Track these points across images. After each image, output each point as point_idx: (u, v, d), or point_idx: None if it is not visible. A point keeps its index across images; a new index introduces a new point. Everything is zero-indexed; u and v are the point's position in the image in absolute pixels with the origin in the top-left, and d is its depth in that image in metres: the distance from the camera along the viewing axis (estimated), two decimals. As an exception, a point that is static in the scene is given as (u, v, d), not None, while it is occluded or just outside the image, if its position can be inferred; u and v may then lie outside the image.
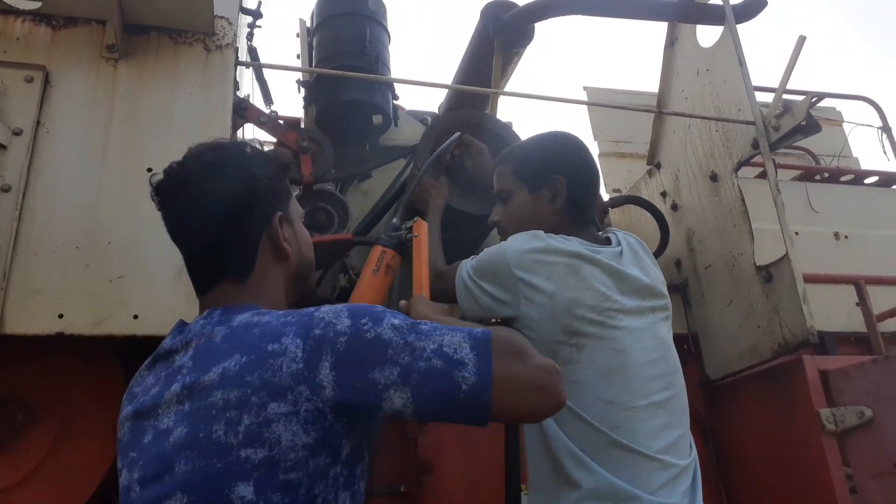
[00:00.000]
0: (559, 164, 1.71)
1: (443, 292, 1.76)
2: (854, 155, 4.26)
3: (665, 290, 1.65)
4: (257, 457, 0.93)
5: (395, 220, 1.90)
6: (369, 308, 1.04)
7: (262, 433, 0.94)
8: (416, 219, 1.88)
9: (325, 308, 1.03)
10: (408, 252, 1.79)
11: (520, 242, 1.58)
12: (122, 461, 1.07)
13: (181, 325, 1.15)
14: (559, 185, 1.69)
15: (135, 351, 1.90)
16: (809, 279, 2.43)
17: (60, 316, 1.70)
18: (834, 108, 4.45)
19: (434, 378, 0.96)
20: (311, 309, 1.04)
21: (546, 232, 1.60)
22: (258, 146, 1.28)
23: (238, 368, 0.97)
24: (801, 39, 2.51)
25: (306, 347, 0.97)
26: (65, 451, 1.82)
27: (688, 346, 2.81)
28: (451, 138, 2.16)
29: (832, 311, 2.99)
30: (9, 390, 1.83)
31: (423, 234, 1.81)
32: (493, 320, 1.67)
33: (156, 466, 0.99)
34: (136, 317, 1.74)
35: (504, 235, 1.74)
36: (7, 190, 1.77)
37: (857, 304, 2.84)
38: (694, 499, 1.46)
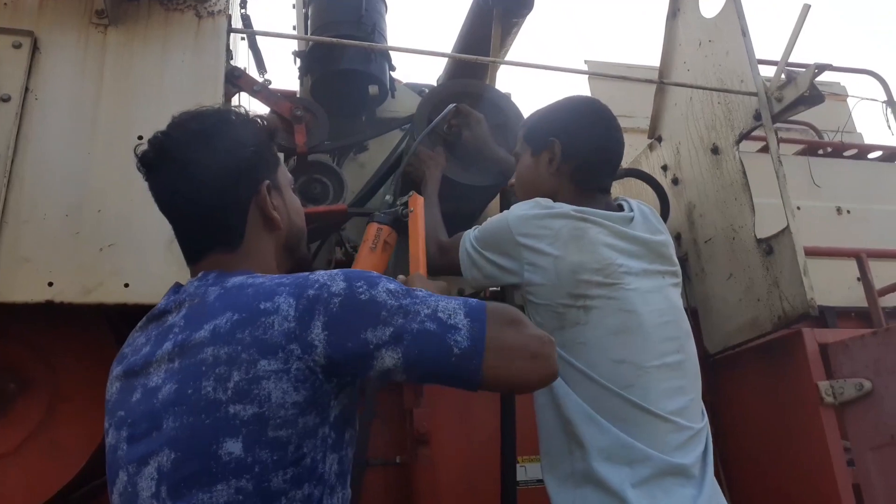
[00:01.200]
0: (559, 128, 1.71)
1: (447, 265, 1.76)
2: (858, 130, 4.21)
3: (675, 258, 1.64)
4: (246, 413, 0.93)
5: (388, 196, 1.88)
6: (365, 273, 1.05)
7: (252, 390, 0.94)
8: (411, 193, 1.86)
9: (321, 272, 1.04)
10: (404, 227, 1.77)
11: (522, 209, 1.58)
12: (110, 420, 1.08)
13: (176, 287, 1.15)
14: (555, 148, 1.69)
15: (126, 319, 1.89)
16: (810, 252, 2.40)
17: (50, 284, 1.68)
18: (838, 83, 4.39)
19: (426, 340, 0.97)
20: (307, 273, 1.05)
21: (545, 196, 1.59)
22: (243, 112, 1.26)
23: (229, 326, 0.98)
24: (806, 8, 2.45)
25: (299, 307, 0.97)
26: (57, 421, 1.81)
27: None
28: (447, 109, 2.13)
29: (833, 286, 2.96)
30: (0, 360, 1.82)
31: (419, 209, 1.80)
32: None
33: (144, 424, 0.99)
34: (126, 285, 1.72)
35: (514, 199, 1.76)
36: (-5, 157, 1.75)
37: (859, 279, 2.82)
38: (705, 464, 1.45)
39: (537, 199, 1.60)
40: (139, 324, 1.17)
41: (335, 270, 1.04)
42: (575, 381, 1.43)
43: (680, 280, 1.64)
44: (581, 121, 1.72)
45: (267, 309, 0.98)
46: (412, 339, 0.97)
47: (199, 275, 1.12)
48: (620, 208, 1.68)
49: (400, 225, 1.77)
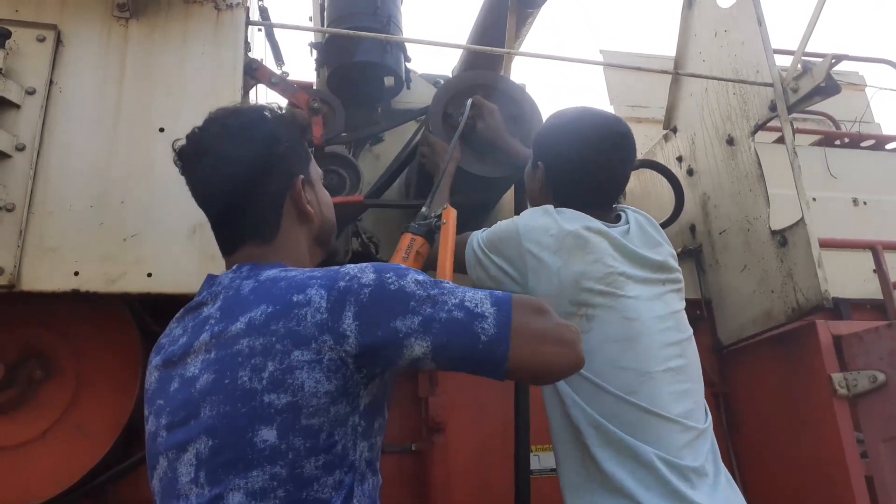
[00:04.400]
0: (545, 152, 1.75)
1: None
2: (876, 120, 4.17)
3: (676, 265, 1.66)
4: (280, 402, 0.96)
5: (424, 209, 1.90)
6: (394, 265, 1.07)
7: (286, 379, 0.97)
8: (445, 206, 1.89)
9: (351, 265, 1.07)
10: (436, 239, 1.80)
11: (531, 217, 1.61)
12: (149, 409, 1.11)
13: (211, 279, 1.18)
14: (540, 171, 1.74)
15: (149, 307, 1.94)
16: (825, 244, 2.40)
17: (76, 273, 1.72)
18: (857, 73, 4.34)
19: (454, 328, 1.00)
20: (338, 266, 1.08)
21: None
22: (277, 109, 1.29)
23: (264, 318, 1.01)
24: (823, -2, 2.44)
25: (331, 298, 1.00)
26: (82, 407, 1.87)
27: (701, 312, 2.80)
28: (466, 105, 2.15)
29: (849, 278, 2.96)
30: (28, 347, 1.87)
31: (452, 221, 1.83)
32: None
33: (182, 412, 1.03)
34: (149, 275, 1.75)
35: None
36: (21, 149, 1.79)
37: (875, 271, 2.81)
38: (716, 459, 1.48)
39: (545, 206, 1.63)
40: (176, 315, 1.19)
41: (365, 264, 1.07)
42: (582, 389, 1.46)
43: (681, 285, 1.65)
44: (566, 147, 1.68)
45: (300, 301, 1.01)
46: (440, 327, 0.99)
47: (234, 267, 1.15)
48: (618, 219, 1.69)
49: (433, 237, 1.81)
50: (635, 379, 1.44)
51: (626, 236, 1.59)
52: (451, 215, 1.83)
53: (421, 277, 1.05)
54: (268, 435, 0.96)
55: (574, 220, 1.56)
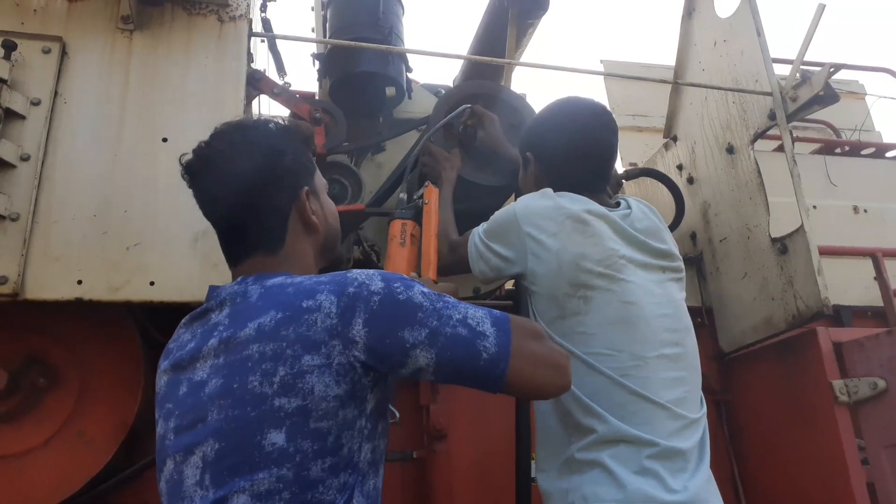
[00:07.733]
0: (532, 142, 1.78)
1: (456, 262, 1.80)
2: (876, 129, 4.18)
3: (677, 253, 1.67)
4: (291, 406, 0.99)
5: (402, 195, 1.91)
6: (399, 275, 1.11)
7: (297, 384, 0.99)
8: (426, 184, 1.90)
9: (358, 271, 1.09)
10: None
11: (529, 200, 1.64)
12: (159, 412, 1.13)
13: (214, 289, 1.19)
14: (531, 163, 1.77)
15: (151, 315, 1.95)
16: (825, 252, 2.41)
17: (79, 282, 1.73)
18: (857, 81, 4.36)
19: (458, 344, 1.04)
20: (344, 271, 1.10)
21: None
22: (282, 122, 1.31)
23: (273, 323, 1.03)
24: (821, 7, 2.46)
25: (341, 304, 1.03)
26: (85, 414, 1.88)
27: (702, 320, 2.80)
28: (460, 108, 2.17)
29: (850, 286, 2.96)
30: (31, 355, 1.88)
31: (434, 200, 1.83)
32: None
33: (190, 416, 1.05)
34: (152, 283, 1.77)
35: None
36: (26, 159, 1.81)
37: (875, 278, 2.82)
38: (703, 452, 1.48)
39: (544, 190, 1.65)
40: (183, 321, 1.21)
41: (371, 270, 1.09)
42: (575, 370, 1.46)
43: (682, 275, 1.66)
44: (553, 132, 1.73)
45: (310, 307, 1.03)
46: (445, 341, 1.04)
47: (239, 279, 1.17)
48: (618, 205, 1.71)
49: (421, 217, 1.82)
50: (629, 362, 1.46)
51: (627, 220, 1.62)
52: (432, 194, 1.84)
53: (426, 290, 1.08)
54: (276, 438, 0.98)
55: (574, 203, 1.58)
